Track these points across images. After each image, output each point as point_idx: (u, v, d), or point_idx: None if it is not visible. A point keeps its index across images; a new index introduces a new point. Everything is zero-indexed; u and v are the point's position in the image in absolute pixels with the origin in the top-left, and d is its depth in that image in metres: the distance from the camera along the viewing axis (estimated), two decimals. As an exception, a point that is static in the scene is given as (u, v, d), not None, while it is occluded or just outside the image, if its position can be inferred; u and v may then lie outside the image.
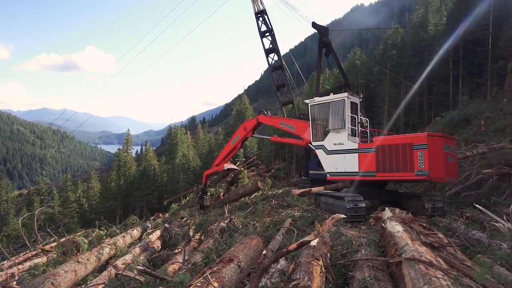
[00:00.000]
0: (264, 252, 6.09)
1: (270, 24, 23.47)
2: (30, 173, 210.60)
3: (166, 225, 11.83)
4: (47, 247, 11.55)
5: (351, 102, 11.67)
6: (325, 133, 12.31)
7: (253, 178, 25.54)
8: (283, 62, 23.83)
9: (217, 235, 8.44)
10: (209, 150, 52.45)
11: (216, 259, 5.17)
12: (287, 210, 12.64)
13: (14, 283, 7.12)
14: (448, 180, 10.59)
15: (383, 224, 6.57)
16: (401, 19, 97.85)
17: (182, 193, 33.96)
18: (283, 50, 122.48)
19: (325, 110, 12.25)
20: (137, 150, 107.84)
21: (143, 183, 45.39)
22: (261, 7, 23.45)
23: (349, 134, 11.50)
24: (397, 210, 9.01)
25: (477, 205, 9.36)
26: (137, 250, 8.54)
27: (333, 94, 12.52)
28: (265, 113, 15.92)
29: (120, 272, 4.85)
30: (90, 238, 12.56)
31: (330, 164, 12.12)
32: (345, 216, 6.99)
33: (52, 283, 5.04)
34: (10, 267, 9.21)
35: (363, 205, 10.26)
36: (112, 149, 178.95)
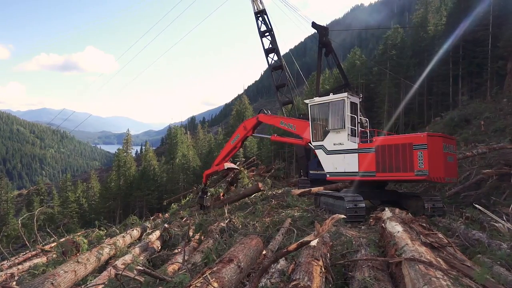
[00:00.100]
0: (264, 252, 6.09)
1: (270, 24, 23.50)
2: (30, 173, 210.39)
3: (166, 225, 11.82)
4: (46, 247, 11.56)
5: (350, 102, 11.66)
6: (325, 133, 12.30)
7: (252, 179, 25.54)
8: (283, 62, 23.83)
9: (217, 235, 8.45)
10: (208, 150, 52.50)
11: (216, 259, 5.17)
12: (287, 210, 12.65)
13: (14, 283, 7.11)
14: (448, 180, 10.60)
15: (383, 224, 6.57)
16: (401, 19, 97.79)
17: (182, 193, 33.93)
18: (283, 50, 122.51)
19: (325, 110, 12.24)
20: (137, 150, 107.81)
21: (143, 183, 45.38)
22: (261, 7, 23.46)
23: (349, 134, 11.49)
24: (397, 210, 9.01)
25: (477, 205, 9.34)
26: (136, 250, 8.55)
27: (333, 94, 12.50)
28: (265, 112, 15.91)
29: (120, 272, 4.85)
30: (89, 238, 12.54)
31: (330, 164, 12.11)
32: (345, 216, 6.99)
33: (52, 283, 5.04)
34: (10, 267, 9.21)
35: (363, 205, 10.29)
36: (112, 149, 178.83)
